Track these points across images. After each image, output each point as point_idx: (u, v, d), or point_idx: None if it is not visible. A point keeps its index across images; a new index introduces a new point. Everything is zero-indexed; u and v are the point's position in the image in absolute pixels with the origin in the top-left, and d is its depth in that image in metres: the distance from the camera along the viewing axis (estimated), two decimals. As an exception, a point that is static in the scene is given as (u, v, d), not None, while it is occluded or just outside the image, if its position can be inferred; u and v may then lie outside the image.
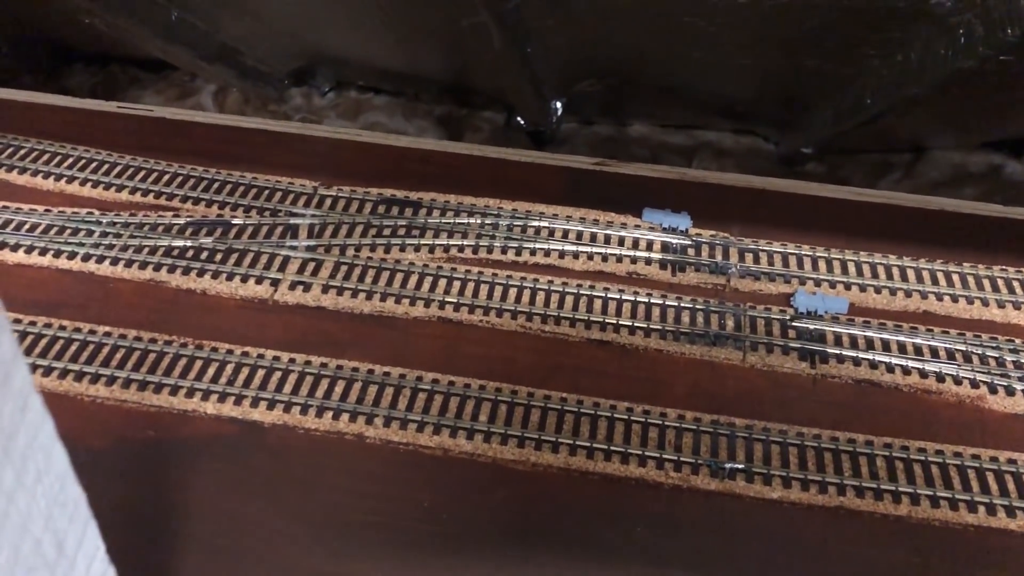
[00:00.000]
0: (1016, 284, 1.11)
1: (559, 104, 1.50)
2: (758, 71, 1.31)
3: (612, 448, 0.93)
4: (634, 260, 1.13)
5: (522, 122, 1.56)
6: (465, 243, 1.14)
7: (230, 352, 1.00)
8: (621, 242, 1.15)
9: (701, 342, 1.04)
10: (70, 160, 1.24)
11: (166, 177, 1.22)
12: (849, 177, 1.50)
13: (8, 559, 0.49)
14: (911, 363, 1.02)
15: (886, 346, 1.04)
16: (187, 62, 1.60)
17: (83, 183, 1.20)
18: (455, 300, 1.07)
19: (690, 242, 1.16)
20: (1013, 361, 1.02)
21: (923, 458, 0.93)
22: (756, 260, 1.14)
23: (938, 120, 1.38)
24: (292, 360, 1.00)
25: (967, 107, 1.29)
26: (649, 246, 1.15)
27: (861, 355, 1.02)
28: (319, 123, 1.60)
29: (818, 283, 1.11)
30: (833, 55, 1.21)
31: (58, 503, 0.54)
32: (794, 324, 1.06)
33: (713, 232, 1.17)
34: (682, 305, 1.08)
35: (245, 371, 0.98)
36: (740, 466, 0.92)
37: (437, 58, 1.48)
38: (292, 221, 1.16)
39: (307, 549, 0.85)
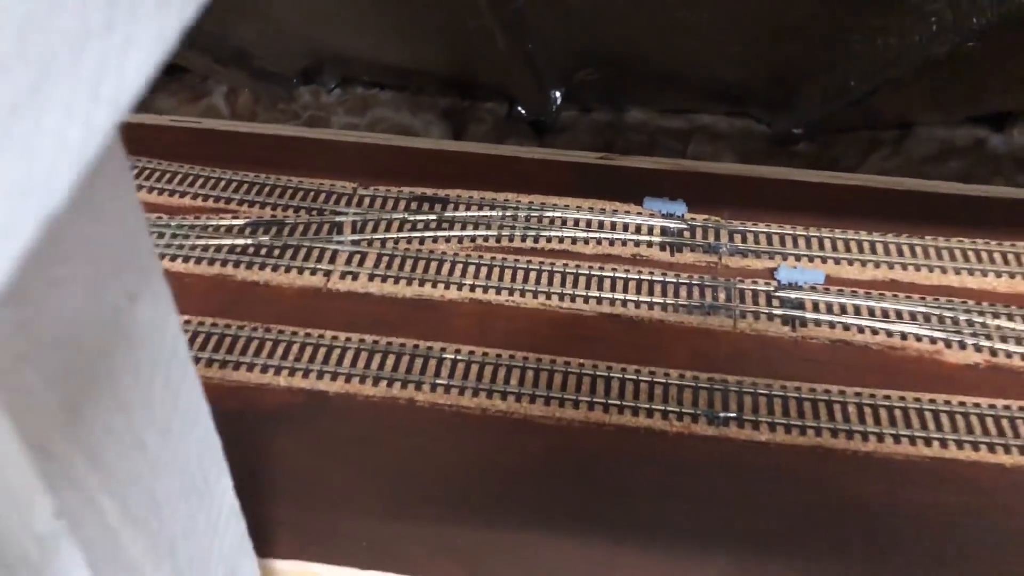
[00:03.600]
0: (971, 253, 1.27)
1: (558, 94, 1.57)
2: (748, 58, 1.39)
3: (624, 403, 1.09)
4: (637, 243, 1.29)
5: (523, 112, 1.62)
6: (489, 233, 1.30)
7: (295, 333, 1.16)
8: (625, 228, 1.31)
9: (697, 312, 1.20)
10: (135, 171, 1.40)
11: (222, 183, 1.38)
12: (840, 155, 1.56)
13: (182, 485, 0.66)
14: (879, 325, 1.18)
15: (858, 311, 1.20)
16: (201, 66, 1.67)
17: (149, 191, 1.36)
18: (484, 284, 1.23)
19: (686, 226, 1.32)
20: (965, 320, 1.18)
21: (888, 404, 1.09)
22: (744, 240, 1.29)
23: (921, 100, 1.46)
24: (348, 339, 1.16)
25: (946, 88, 1.38)
26: (650, 231, 1.31)
27: (836, 319, 1.19)
28: (327, 120, 1.69)
29: (798, 258, 1.26)
30: (818, 42, 1.30)
31: (204, 446, 0.71)
32: (777, 294, 1.22)
33: (706, 216, 1.32)
34: (680, 281, 1.24)
35: (309, 349, 1.14)
36: (733, 415, 1.08)
37: (442, 56, 1.55)
38: (337, 219, 1.32)
39: (372, 497, 1.01)
